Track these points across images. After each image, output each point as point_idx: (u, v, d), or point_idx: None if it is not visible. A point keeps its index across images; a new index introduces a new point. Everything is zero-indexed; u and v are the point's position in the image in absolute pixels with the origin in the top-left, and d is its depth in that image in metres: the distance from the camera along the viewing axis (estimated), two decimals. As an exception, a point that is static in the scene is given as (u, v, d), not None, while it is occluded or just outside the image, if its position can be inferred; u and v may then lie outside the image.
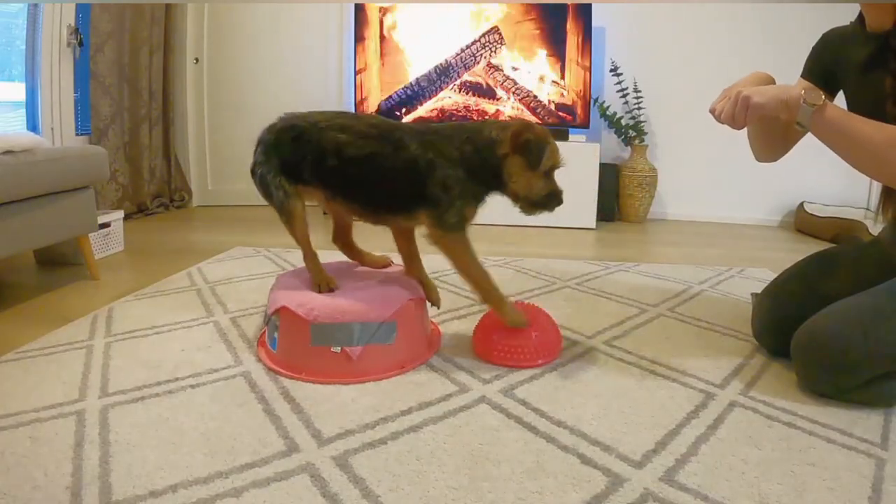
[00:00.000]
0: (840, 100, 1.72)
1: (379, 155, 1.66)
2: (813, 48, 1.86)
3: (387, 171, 1.67)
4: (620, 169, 4.60)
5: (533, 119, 4.35)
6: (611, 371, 1.72)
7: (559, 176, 1.71)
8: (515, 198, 1.70)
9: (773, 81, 1.71)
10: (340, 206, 1.79)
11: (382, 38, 4.44)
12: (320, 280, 1.76)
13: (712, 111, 1.68)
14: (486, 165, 1.65)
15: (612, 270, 2.92)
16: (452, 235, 1.68)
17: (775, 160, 1.89)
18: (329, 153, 1.69)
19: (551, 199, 1.69)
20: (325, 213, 1.79)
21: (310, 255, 1.82)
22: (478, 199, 1.71)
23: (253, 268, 2.82)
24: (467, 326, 2.02)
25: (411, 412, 1.45)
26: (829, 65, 1.79)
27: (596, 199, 4.24)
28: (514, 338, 1.74)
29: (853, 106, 1.74)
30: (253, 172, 1.81)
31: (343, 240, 2.02)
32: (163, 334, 1.95)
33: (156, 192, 4.53)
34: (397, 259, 1.96)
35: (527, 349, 1.74)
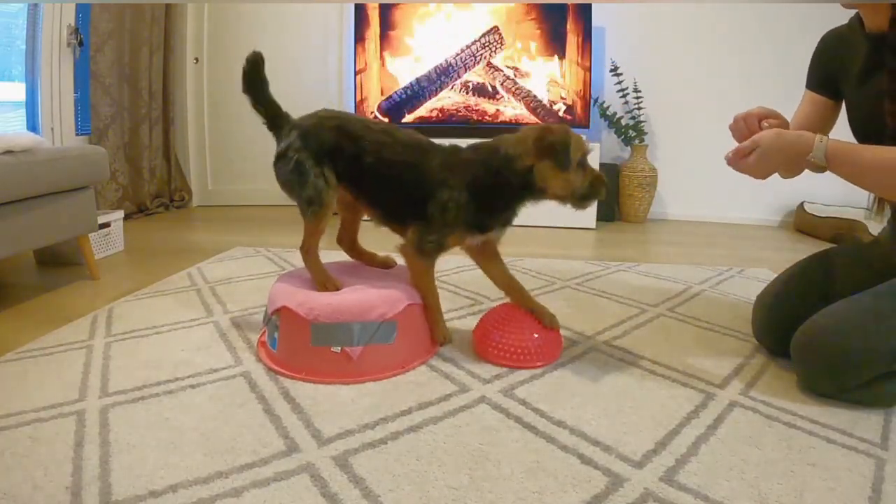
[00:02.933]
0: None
1: (409, 164, 1.70)
2: (813, 56, 1.86)
3: (409, 180, 1.70)
4: (620, 169, 4.59)
5: (534, 120, 4.35)
6: (611, 371, 1.72)
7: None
8: (561, 200, 1.68)
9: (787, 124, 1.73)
10: (364, 206, 1.83)
11: (382, 38, 4.45)
12: (325, 280, 1.76)
13: (735, 129, 1.69)
14: (503, 185, 1.66)
15: (612, 270, 2.92)
16: (420, 261, 1.74)
17: (798, 175, 1.89)
18: (369, 152, 1.71)
19: (596, 186, 1.67)
20: (334, 213, 1.77)
21: (315, 255, 1.81)
22: (473, 227, 1.71)
23: (253, 268, 2.82)
24: (467, 326, 2.02)
25: (411, 412, 1.45)
26: (829, 70, 1.79)
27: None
28: (514, 338, 1.74)
29: (852, 108, 1.74)
30: (283, 157, 1.77)
31: (348, 241, 2.02)
32: (163, 334, 1.95)
33: (156, 192, 4.52)
34: (401, 260, 1.96)
35: (527, 350, 1.74)
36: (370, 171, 1.72)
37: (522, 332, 1.75)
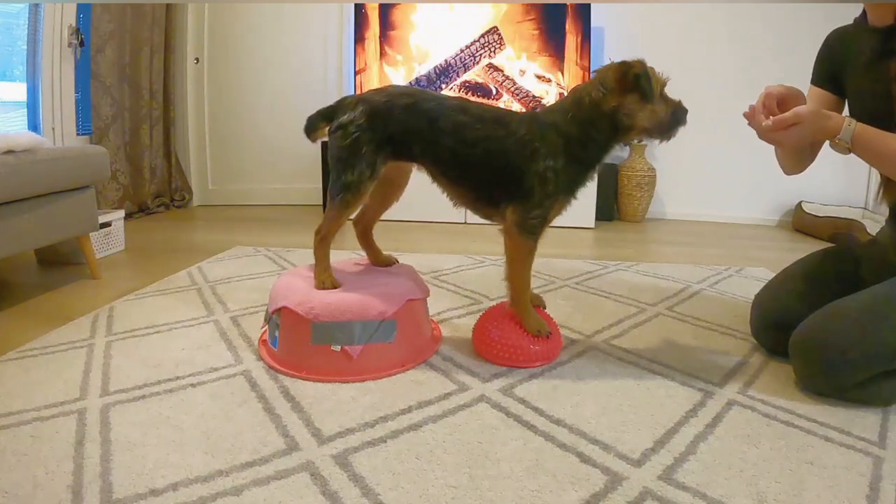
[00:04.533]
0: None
1: (492, 139, 1.65)
2: (818, 53, 1.87)
3: (495, 156, 1.65)
4: (619, 169, 4.59)
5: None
6: (610, 370, 1.72)
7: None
8: (648, 133, 1.65)
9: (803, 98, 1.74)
10: (445, 187, 1.77)
11: (382, 38, 4.44)
12: (325, 277, 1.75)
13: (752, 116, 1.69)
14: (595, 133, 1.63)
15: (611, 270, 2.92)
16: (527, 240, 1.68)
17: (803, 171, 1.89)
18: (447, 132, 1.67)
19: (679, 114, 1.66)
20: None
21: (327, 246, 1.79)
22: (573, 189, 1.69)
23: (253, 267, 2.82)
24: (467, 325, 2.02)
25: (411, 411, 1.45)
26: (834, 65, 1.80)
27: (595, 198, 4.23)
28: (513, 338, 1.74)
29: (857, 101, 1.75)
30: (343, 129, 1.69)
31: (363, 227, 1.97)
32: (163, 333, 1.95)
33: (156, 192, 4.52)
34: (404, 259, 1.96)
35: (526, 349, 1.73)
36: (452, 154, 1.68)
37: (522, 331, 1.74)
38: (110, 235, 3.11)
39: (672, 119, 1.65)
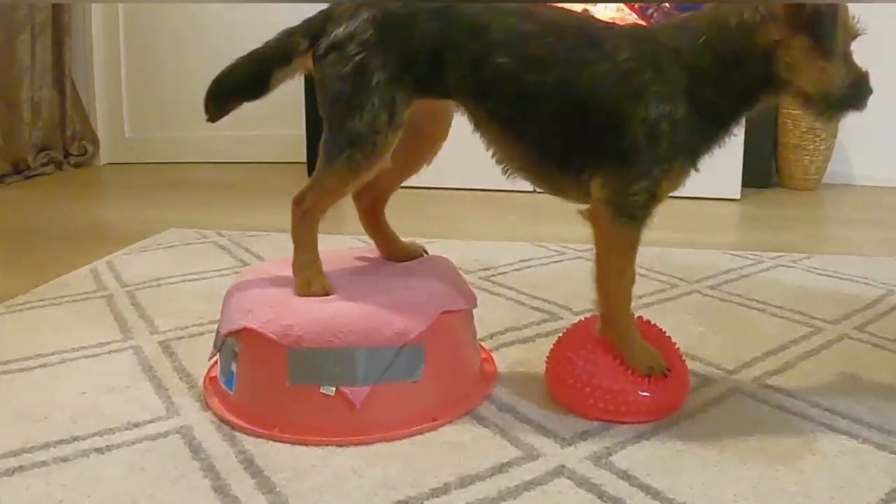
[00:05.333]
0: None
1: (574, 62, 1.62)
2: None
3: (577, 91, 1.62)
4: (778, 108, 4.55)
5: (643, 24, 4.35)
6: (764, 426, 1.70)
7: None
8: (807, 100, 1.63)
9: None
10: (495, 141, 1.75)
11: None
12: (312, 275, 1.75)
13: None
14: (740, 77, 1.61)
15: (766, 266, 2.91)
16: (624, 231, 1.66)
17: None
18: (502, 49, 1.63)
19: (860, 88, 1.65)
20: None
21: (313, 223, 1.76)
22: (698, 153, 1.67)
23: (197, 262, 2.84)
24: (538, 354, 1.99)
25: (448, 491, 1.44)
26: None
27: (741, 154, 4.20)
28: (610, 376, 1.71)
29: None
30: (339, 50, 1.66)
31: (370, 202, 1.95)
32: (52, 368, 1.96)
33: (41, 142, 4.55)
34: (435, 249, 1.96)
35: (630, 395, 1.70)
36: (507, 84, 1.65)
37: (623, 367, 1.71)
38: (-31, 212, 3.14)
39: (848, 92, 1.63)
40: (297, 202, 1.76)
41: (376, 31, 1.64)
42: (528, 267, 2.78)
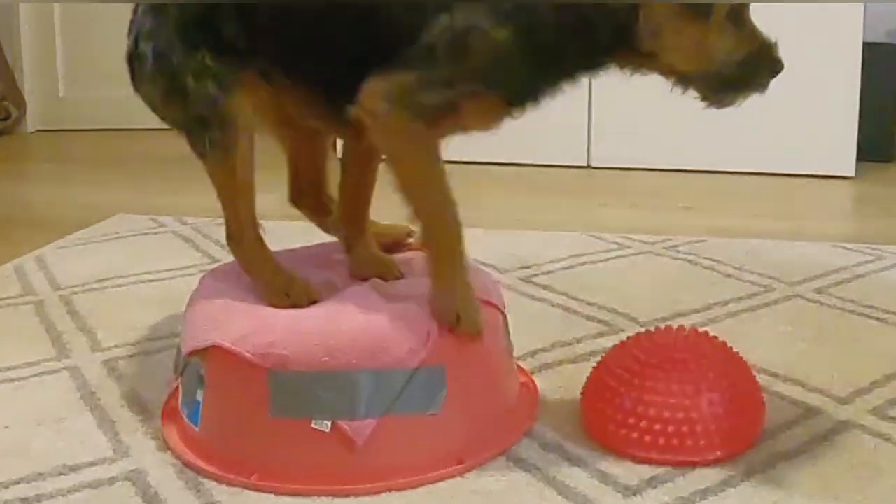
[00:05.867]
0: None
1: None
2: None
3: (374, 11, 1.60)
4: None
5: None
6: (886, 470, 1.62)
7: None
8: (680, 78, 1.60)
9: None
10: (291, 98, 1.77)
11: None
12: (285, 284, 1.71)
13: None
14: (583, 29, 1.57)
15: (888, 263, 2.86)
16: (404, 119, 1.62)
17: None
18: None
19: (754, 63, 1.59)
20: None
21: (252, 239, 1.78)
22: (520, 92, 1.65)
23: (151, 257, 2.81)
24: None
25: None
26: None
27: (856, 117, 4.16)
28: (665, 405, 1.63)
29: None
30: (137, 58, 1.77)
31: (313, 197, 1.97)
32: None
33: (-43, 104, 4.58)
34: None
35: (692, 428, 1.63)
36: (293, 19, 1.69)
37: (680, 393, 1.64)
38: None
39: (740, 69, 1.58)
40: (228, 237, 1.83)
41: (153, 18, 1.80)
42: (581, 264, 2.77)
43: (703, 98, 1.60)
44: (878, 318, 2.29)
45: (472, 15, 1.54)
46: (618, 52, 1.59)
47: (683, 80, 1.59)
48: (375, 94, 1.56)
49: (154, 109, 1.79)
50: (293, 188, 1.95)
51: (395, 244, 1.96)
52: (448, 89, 1.56)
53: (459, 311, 1.63)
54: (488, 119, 1.64)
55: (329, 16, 1.64)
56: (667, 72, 1.59)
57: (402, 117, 1.57)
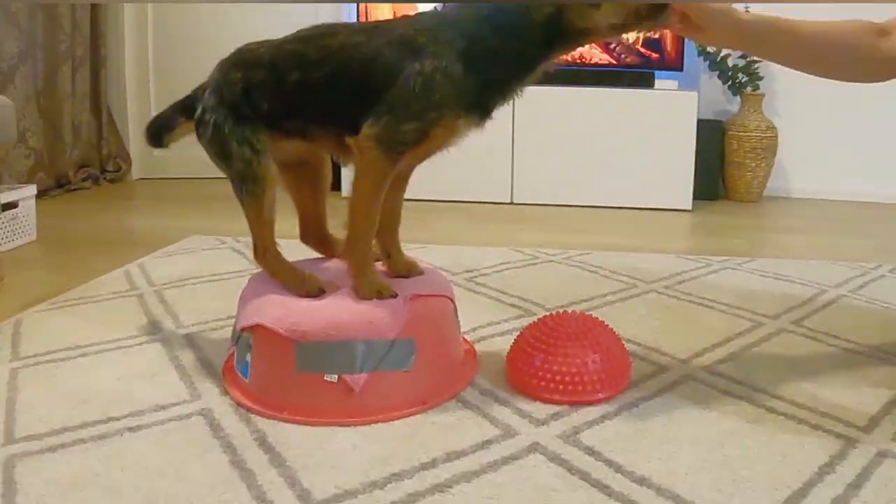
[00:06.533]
0: None
1: (351, 47, 1.67)
2: None
3: (357, 68, 1.67)
4: (727, 127, 4.56)
5: (607, 59, 4.36)
6: (713, 408, 1.71)
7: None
8: (613, 29, 1.60)
9: None
10: (317, 142, 1.80)
11: None
12: (302, 280, 1.76)
13: None
14: (518, 48, 1.62)
15: (715, 268, 2.92)
16: (382, 157, 1.65)
17: (872, 77, 1.92)
18: (289, 68, 1.70)
19: (656, 7, 1.59)
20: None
21: (274, 254, 1.82)
22: (473, 107, 1.65)
23: (216, 265, 2.84)
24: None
25: (436, 465, 1.44)
26: None
27: (693, 169, 4.23)
28: (563, 363, 1.72)
29: None
30: (201, 123, 1.80)
31: (316, 234, 2.00)
32: (90, 357, 1.96)
33: (81, 160, 4.55)
34: (425, 254, 1.96)
35: (582, 379, 1.72)
36: (299, 88, 1.71)
37: (576, 357, 1.73)
38: (17, 220, 3.14)
39: (644, 12, 1.58)
40: (255, 253, 1.86)
41: (214, 96, 1.78)
42: (507, 269, 2.78)
43: (631, 27, 1.62)
44: (707, 306, 2.39)
45: (436, 59, 1.59)
46: (553, 43, 1.62)
47: (614, 28, 1.59)
48: (369, 137, 1.63)
49: (214, 162, 1.83)
50: (301, 230, 2.01)
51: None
52: (419, 121, 1.61)
53: (372, 287, 1.72)
54: (454, 136, 1.69)
55: (335, 82, 1.69)
56: (601, 33, 1.63)
57: (381, 153, 1.63)
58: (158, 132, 1.91)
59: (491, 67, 1.63)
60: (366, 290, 1.72)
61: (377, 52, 1.64)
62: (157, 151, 4.85)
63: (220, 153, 1.78)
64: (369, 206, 1.72)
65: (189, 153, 2.05)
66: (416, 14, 1.71)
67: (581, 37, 1.63)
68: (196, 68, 4.86)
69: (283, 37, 1.76)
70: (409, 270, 1.92)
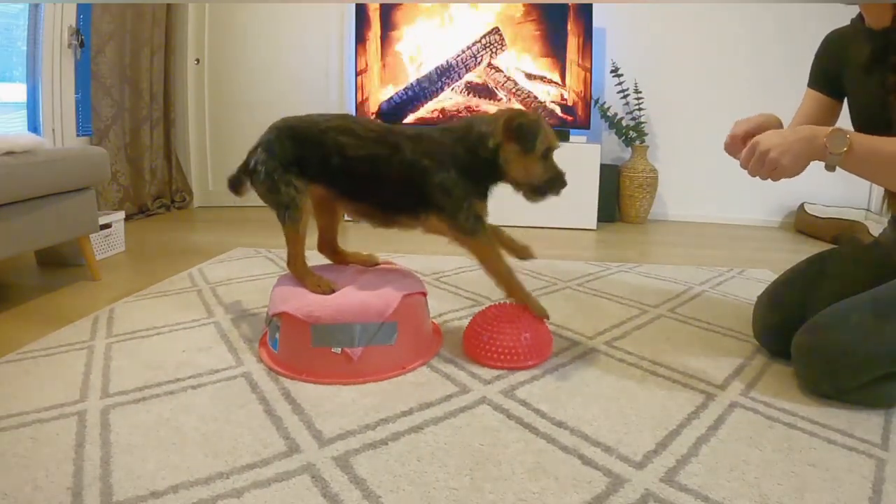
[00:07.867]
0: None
1: (379, 157, 1.69)
2: (815, 54, 1.86)
3: (387, 173, 1.70)
4: (621, 170, 4.58)
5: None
6: (611, 372, 1.72)
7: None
8: (517, 185, 1.72)
9: (781, 124, 1.71)
10: (348, 206, 1.82)
11: (383, 38, 4.43)
12: (318, 282, 1.76)
13: (730, 152, 1.70)
14: (479, 162, 1.68)
15: (612, 271, 2.92)
16: (475, 239, 1.71)
17: None
18: (332, 153, 1.71)
19: (554, 182, 1.71)
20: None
21: (302, 263, 1.82)
22: (481, 195, 1.73)
23: (254, 269, 2.81)
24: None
25: (412, 413, 1.45)
26: (832, 68, 1.79)
27: (597, 199, 4.23)
28: (504, 339, 1.73)
29: (856, 104, 1.74)
30: (254, 172, 1.80)
31: (330, 247, 2.01)
32: (164, 335, 1.95)
33: (157, 193, 4.52)
34: (404, 261, 1.95)
35: (517, 350, 1.73)
36: (342, 171, 1.73)
37: (513, 334, 1.74)
38: (111, 237, 3.12)
39: (546, 184, 1.72)
40: (288, 262, 1.84)
41: (266, 151, 1.78)
42: (463, 272, 2.77)
43: (527, 197, 1.75)
44: (607, 298, 2.42)
45: (438, 174, 1.67)
46: (496, 175, 1.72)
47: (519, 187, 1.73)
48: (455, 231, 1.72)
49: (260, 197, 1.83)
50: (319, 244, 2.01)
51: (369, 263, 1.97)
52: (467, 210, 1.69)
53: (536, 310, 1.79)
54: (485, 209, 1.75)
55: (373, 176, 1.72)
56: (511, 182, 1.73)
57: (475, 237, 1.72)
58: (234, 186, 1.90)
59: (471, 175, 1.68)
60: (538, 309, 1.79)
61: (403, 169, 1.67)
62: (212, 186, 4.84)
63: (270, 189, 1.77)
64: (500, 263, 1.76)
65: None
66: (416, 134, 1.73)
67: (503, 176, 1.72)
68: (240, 126, 4.83)
69: (324, 119, 1.77)
70: (356, 258, 2.02)
